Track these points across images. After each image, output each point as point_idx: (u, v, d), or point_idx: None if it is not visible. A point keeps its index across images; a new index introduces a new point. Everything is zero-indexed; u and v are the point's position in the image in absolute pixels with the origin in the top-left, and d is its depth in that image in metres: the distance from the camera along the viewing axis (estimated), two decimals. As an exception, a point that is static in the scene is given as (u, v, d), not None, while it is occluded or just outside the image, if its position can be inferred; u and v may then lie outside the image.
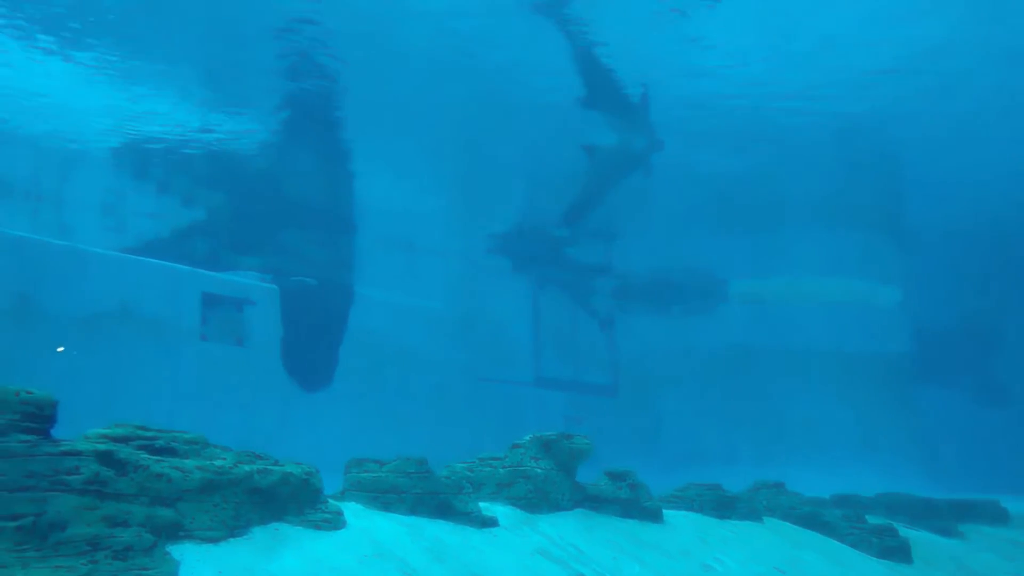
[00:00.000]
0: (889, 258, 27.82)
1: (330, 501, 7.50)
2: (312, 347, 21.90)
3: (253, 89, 20.47)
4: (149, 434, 6.45)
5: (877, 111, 22.55)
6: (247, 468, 6.70)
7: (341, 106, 21.48)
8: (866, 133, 24.26)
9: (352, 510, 7.68)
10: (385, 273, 24.70)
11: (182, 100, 20.79)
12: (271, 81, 20.02)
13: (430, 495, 8.18)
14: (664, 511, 10.23)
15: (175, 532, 6.09)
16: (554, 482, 9.31)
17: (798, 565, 9.87)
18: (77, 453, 5.74)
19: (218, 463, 6.54)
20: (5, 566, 5.09)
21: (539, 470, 9.24)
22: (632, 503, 9.90)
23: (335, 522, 7.21)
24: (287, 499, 6.99)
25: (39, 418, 5.74)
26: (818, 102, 21.93)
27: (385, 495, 8.10)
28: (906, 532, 12.01)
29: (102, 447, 5.94)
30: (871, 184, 26.87)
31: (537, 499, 9.12)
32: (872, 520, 12.15)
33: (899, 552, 11.31)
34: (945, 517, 13.68)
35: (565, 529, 8.85)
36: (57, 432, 5.95)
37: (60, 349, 17.26)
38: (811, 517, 11.83)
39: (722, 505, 11.06)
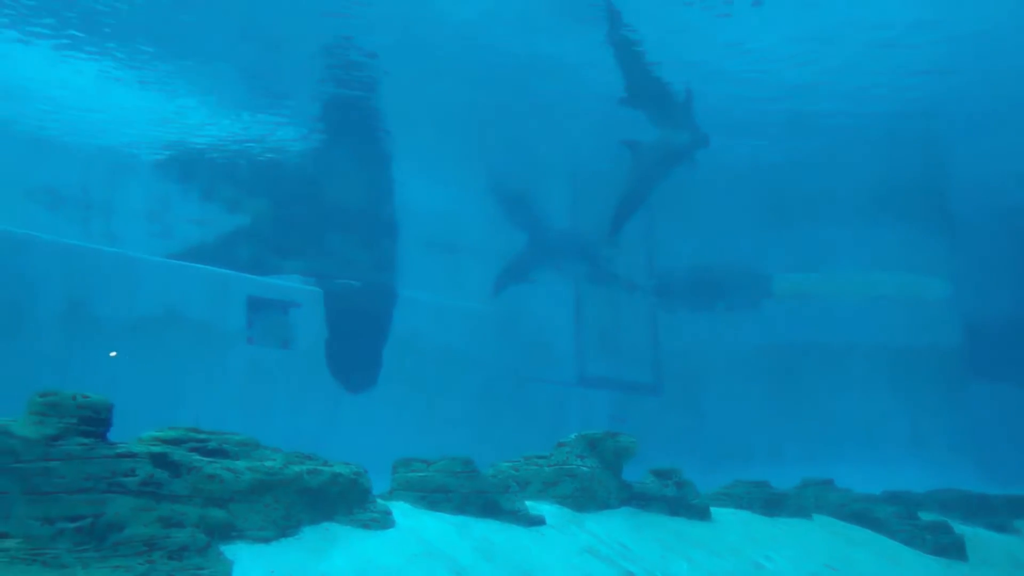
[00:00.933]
0: (937, 250, 27.32)
1: (378, 501, 7.57)
2: (356, 349, 22.09)
3: (294, 94, 20.71)
4: (201, 436, 6.56)
5: (923, 101, 22.14)
6: (297, 469, 6.78)
7: (381, 109, 21.64)
8: (911, 124, 23.83)
9: (400, 509, 7.74)
10: (427, 274, 24.83)
11: (225, 107, 21.09)
12: (312, 86, 20.24)
13: (477, 494, 8.21)
14: (711, 509, 10.17)
15: (228, 532, 6.18)
16: (600, 480, 9.30)
17: (850, 562, 9.75)
18: (132, 455, 5.86)
19: (268, 464, 6.63)
20: (66, 566, 5.21)
21: (585, 468, 9.23)
22: (679, 501, 9.86)
23: (384, 521, 7.27)
24: (336, 499, 7.06)
25: (95, 421, 5.87)
26: (863, 97, 21.61)
27: (432, 494, 8.15)
28: (960, 529, 11.80)
29: (156, 449, 6.06)
30: (917, 176, 26.40)
31: (583, 498, 9.11)
32: (925, 517, 11.95)
33: (953, 549, 11.12)
34: (1000, 513, 13.42)
35: (612, 527, 8.83)
36: (111, 435, 6.08)
37: (113, 354, 17.62)
38: (862, 514, 11.68)
39: (770, 502, 10.96)
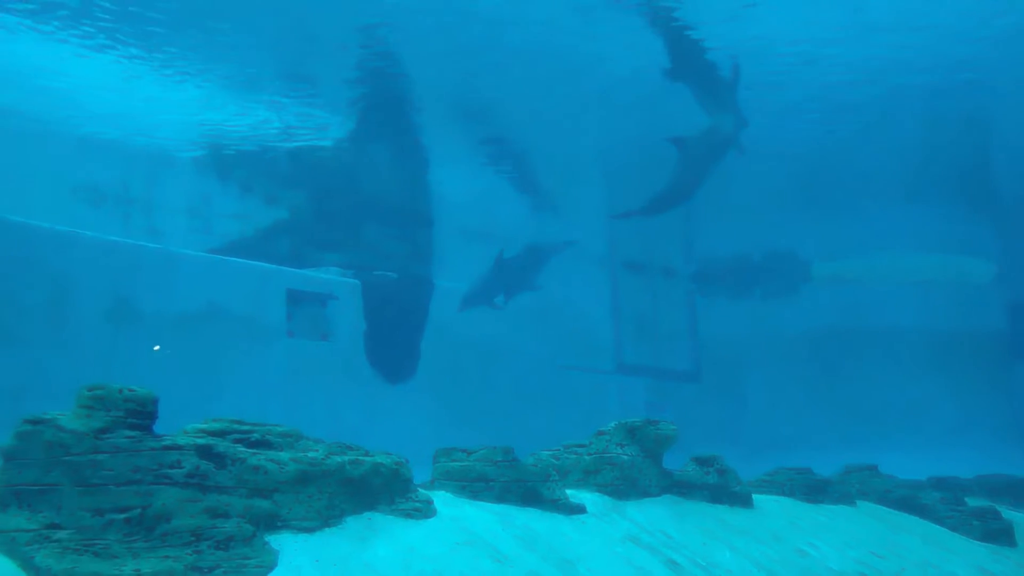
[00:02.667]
0: (982, 232, 26.82)
1: (420, 490, 7.61)
2: (394, 340, 22.23)
3: (329, 87, 20.78)
4: (245, 428, 6.62)
5: (965, 75, 21.64)
6: (339, 459, 6.84)
7: (416, 99, 21.66)
8: (953, 101, 23.32)
9: (441, 499, 7.78)
10: (464, 264, 24.90)
11: (261, 101, 21.24)
12: (347, 78, 20.28)
13: (517, 483, 8.22)
14: (754, 496, 10.09)
15: (273, 522, 6.25)
16: (641, 468, 9.26)
17: (896, 549, 9.62)
18: (178, 448, 5.95)
19: (311, 455, 6.69)
20: (116, 556, 5.31)
21: (625, 456, 9.20)
22: (721, 488, 9.79)
23: (425, 511, 7.31)
24: (378, 489, 7.11)
25: (142, 414, 5.97)
26: (903, 74, 21.18)
27: (473, 484, 8.18)
28: (1009, 514, 11.60)
29: (201, 441, 6.14)
30: (960, 156, 25.88)
31: (624, 486, 9.08)
32: (972, 502, 11.76)
33: (1003, 535, 10.93)
34: (1051, 498, 13.16)
35: (654, 515, 8.80)
36: (157, 428, 6.17)
37: (156, 348, 17.91)
38: (907, 500, 11.52)
39: (813, 489, 10.85)
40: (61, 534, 5.39)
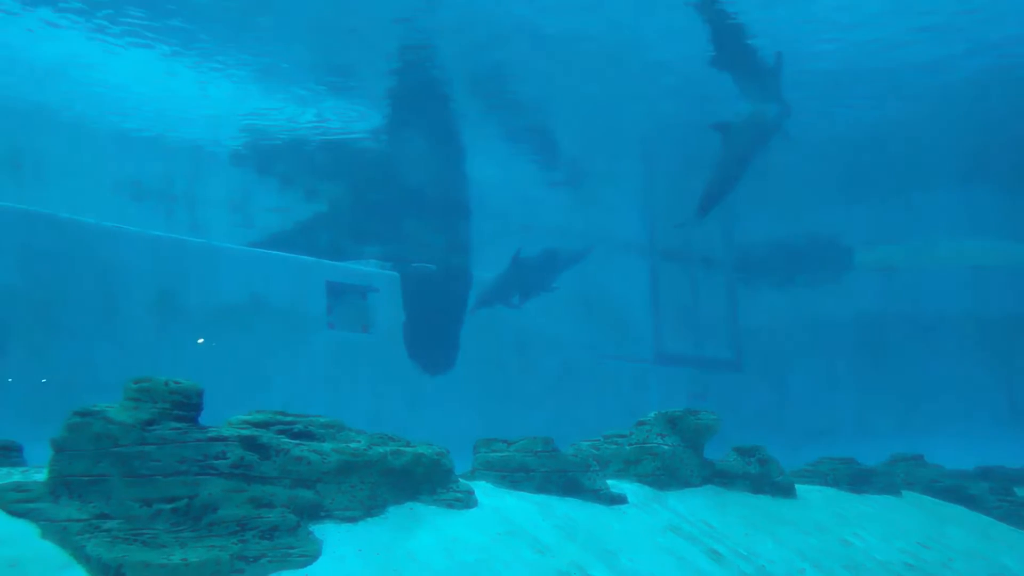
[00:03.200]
0: (1030, 215, 26.22)
1: (461, 480, 7.64)
2: (434, 331, 22.33)
3: (367, 79, 20.87)
4: (288, 419, 6.70)
5: (1017, 62, 21.11)
6: (381, 450, 6.88)
7: (454, 89, 21.67)
8: (1004, 85, 22.76)
9: (482, 489, 7.81)
10: (502, 256, 24.92)
11: (300, 95, 21.40)
12: (384, 70, 20.35)
13: (558, 473, 8.22)
14: (796, 486, 9.99)
15: (316, 512, 6.32)
16: (682, 459, 9.21)
17: (943, 540, 9.48)
18: (223, 439, 6.03)
19: (353, 446, 6.75)
20: (164, 546, 5.41)
21: (666, 447, 9.16)
22: (763, 478, 9.71)
23: (467, 501, 7.34)
24: (420, 479, 7.15)
25: (187, 406, 6.05)
26: (953, 55, 20.70)
27: (514, 474, 8.19)
28: (1060, 505, 11.37)
29: (246, 432, 6.22)
30: (1011, 139, 25.27)
31: (665, 476, 9.04)
32: (1021, 492, 11.54)
33: (1053, 526, 10.72)
34: (1102, 488, 12.85)
35: (695, 506, 8.76)
36: (202, 419, 6.26)
37: (200, 341, 18.19)
38: (954, 490, 11.34)
39: (858, 479, 10.72)
40: (111, 524, 5.50)
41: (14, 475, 6.10)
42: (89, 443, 5.77)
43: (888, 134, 24.41)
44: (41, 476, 6.00)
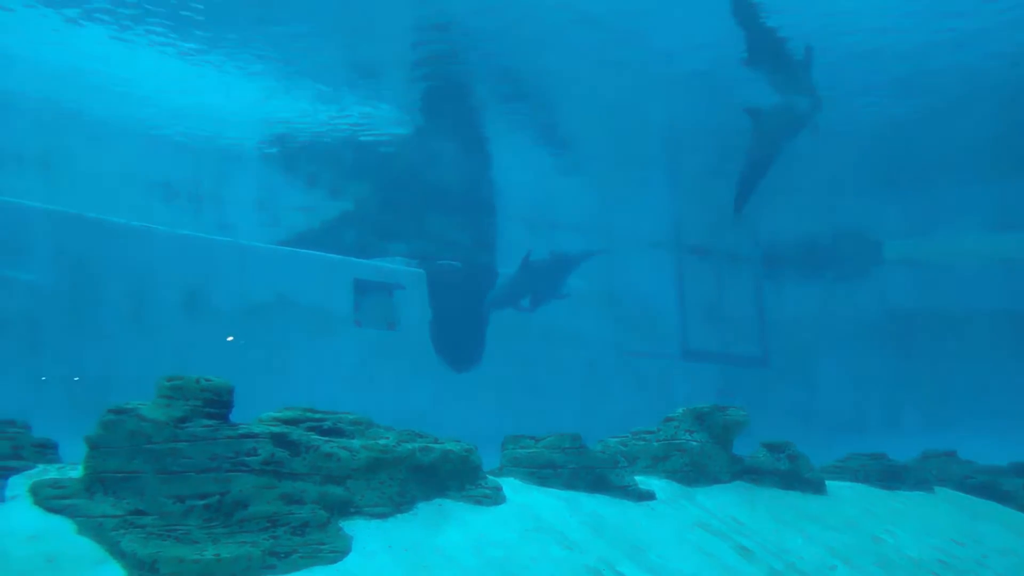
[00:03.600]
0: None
1: (489, 477, 7.66)
2: (460, 328, 22.37)
3: (392, 78, 20.94)
4: (317, 416, 6.75)
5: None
6: (409, 446, 6.92)
7: (478, 88, 21.69)
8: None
9: (510, 485, 7.82)
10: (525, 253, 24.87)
11: (324, 94, 21.51)
12: (410, 68, 20.40)
13: (585, 470, 8.23)
14: (826, 482, 9.92)
15: (346, 509, 6.37)
16: (710, 455, 9.18)
17: (977, 536, 9.37)
18: (254, 436, 6.09)
19: (382, 442, 6.78)
20: (197, 542, 5.47)
21: (694, 443, 9.13)
22: (792, 475, 9.65)
23: (495, 497, 7.36)
24: (448, 475, 7.18)
25: (218, 403, 6.12)
26: (981, 48, 20.41)
27: (541, 470, 8.20)
28: (1097, 502, 11.19)
29: (276, 429, 6.28)
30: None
31: (694, 472, 9.02)
32: (1057, 489, 11.37)
33: (1089, 523, 10.56)
34: None
35: (724, 502, 8.72)
36: (232, 417, 6.32)
37: (230, 339, 18.35)
38: (988, 487, 11.20)
39: (889, 475, 10.62)
40: (145, 520, 5.57)
41: (50, 472, 6.19)
42: (123, 440, 5.85)
43: (918, 126, 24.09)
44: (77, 473, 6.09)
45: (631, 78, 21.16)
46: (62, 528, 5.58)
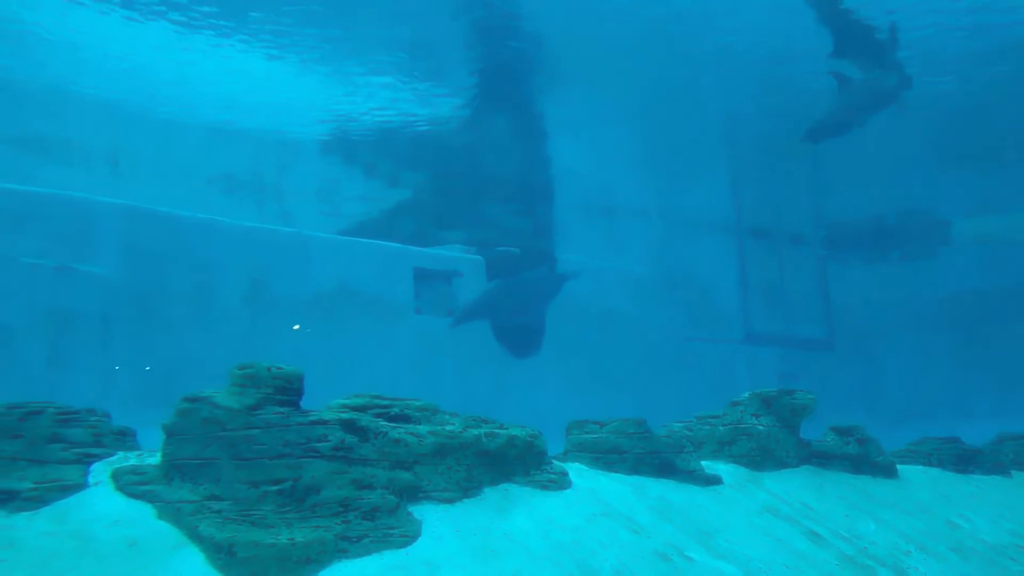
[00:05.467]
0: None
1: (554, 462, 7.67)
2: (519, 315, 22.39)
3: (448, 67, 20.95)
4: (384, 402, 6.82)
5: None
6: (475, 432, 6.96)
7: (534, 75, 21.58)
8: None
9: (576, 470, 7.82)
10: (585, 238, 24.80)
11: (381, 84, 21.62)
12: (465, 56, 20.38)
13: (651, 454, 8.19)
14: (898, 467, 9.73)
15: (414, 494, 6.43)
16: (777, 439, 9.07)
17: (1057, 522, 9.10)
18: (324, 422, 6.18)
19: (448, 428, 6.84)
20: (272, 526, 5.58)
21: (761, 427, 9.03)
22: (862, 459, 9.49)
23: (561, 482, 7.37)
24: (514, 461, 7.21)
25: (289, 391, 6.23)
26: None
27: (607, 455, 8.18)
28: None
29: (345, 416, 6.36)
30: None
31: (761, 456, 8.92)
32: None
33: None
34: None
35: (792, 486, 8.61)
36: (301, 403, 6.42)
37: (296, 327, 18.65)
38: (1068, 471, 10.87)
39: (963, 459, 10.38)
40: (221, 505, 5.70)
41: (130, 459, 6.37)
42: (198, 428, 5.99)
43: (988, 100, 23.29)
44: (154, 460, 6.26)
45: (692, 59, 20.81)
46: (143, 513, 5.74)
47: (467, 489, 6.74)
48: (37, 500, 5.73)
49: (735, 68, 21.23)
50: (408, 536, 5.97)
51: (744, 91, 22.13)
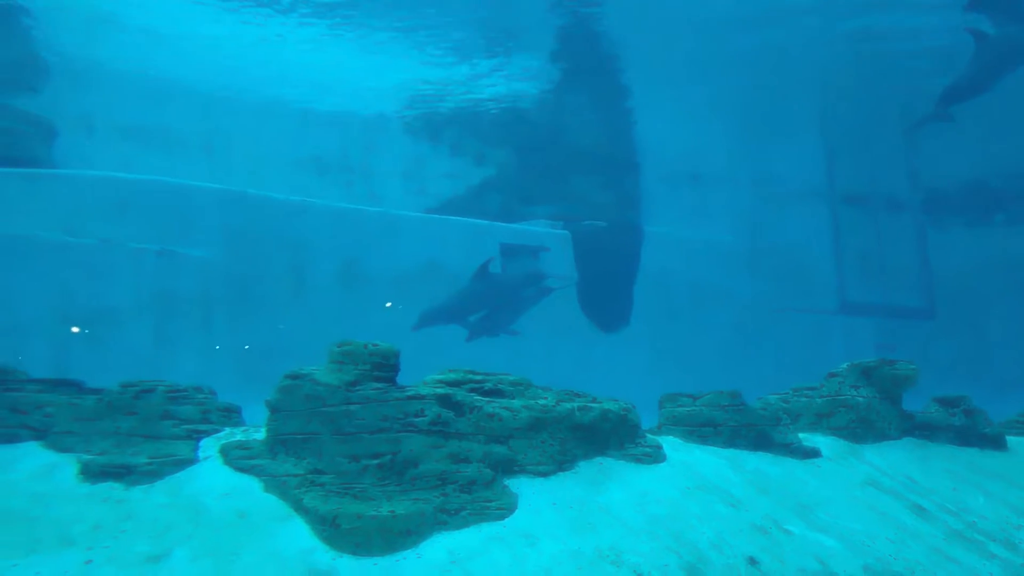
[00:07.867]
0: None
1: (648, 436, 7.64)
2: (607, 288, 22.29)
3: (530, 41, 20.85)
4: (478, 377, 6.90)
5: None
6: (568, 406, 6.98)
7: (617, 46, 21.29)
8: None
9: (670, 444, 7.78)
10: (673, 209, 24.46)
11: (464, 62, 21.67)
12: (546, 30, 20.23)
13: (746, 427, 8.08)
14: (1007, 438, 9.36)
15: (510, 467, 6.51)
16: (878, 410, 8.83)
17: None
18: (421, 397, 6.29)
19: (542, 402, 6.88)
20: (373, 499, 5.73)
21: (860, 399, 8.80)
22: (968, 430, 9.15)
23: (655, 456, 7.34)
24: (608, 434, 7.21)
25: (386, 367, 6.36)
26: None
27: (701, 428, 8.11)
28: None
29: (441, 391, 6.47)
30: None
31: (861, 429, 8.70)
32: None
33: None
34: None
35: (894, 459, 8.38)
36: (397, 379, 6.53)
37: (388, 305, 18.98)
38: None
39: (1078, 430, 9.90)
40: (324, 479, 5.88)
41: (236, 434, 6.62)
42: (300, 403, 6.17)
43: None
44: (260, 435, 6.48)
45: (784, 26, 20.18)
46: (250, 486, 5.96)
47: (561, 463, 6.78)
48: (152, 474, 6.01)
49: (829, 32, 20.49)
50: (505, 509, 6.05)
51: (838, 54, 21.35)
